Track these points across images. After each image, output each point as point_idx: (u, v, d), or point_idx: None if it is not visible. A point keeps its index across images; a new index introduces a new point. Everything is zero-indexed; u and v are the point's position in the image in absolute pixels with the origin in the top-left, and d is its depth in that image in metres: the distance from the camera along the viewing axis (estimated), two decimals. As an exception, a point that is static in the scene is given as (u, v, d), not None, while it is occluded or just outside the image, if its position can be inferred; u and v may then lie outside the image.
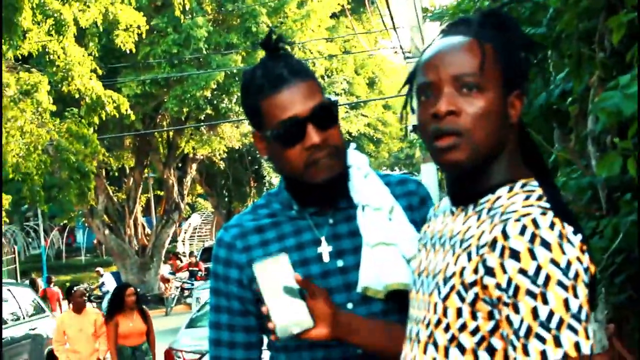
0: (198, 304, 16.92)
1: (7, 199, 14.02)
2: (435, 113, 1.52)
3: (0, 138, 12.22)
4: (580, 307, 1.37)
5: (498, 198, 1.53)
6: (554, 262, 1.38)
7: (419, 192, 2.03)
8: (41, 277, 26.12)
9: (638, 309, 2.98)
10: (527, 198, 1.49)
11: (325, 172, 1.89)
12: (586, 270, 1.40)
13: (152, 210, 33.45)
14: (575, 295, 1.37)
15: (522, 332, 1.38)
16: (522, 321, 1.38)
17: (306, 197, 1.95)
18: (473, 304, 1.46)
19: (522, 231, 1.40)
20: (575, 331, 1.36)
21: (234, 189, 31.97)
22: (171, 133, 25.54)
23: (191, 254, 30.11)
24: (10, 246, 29.63)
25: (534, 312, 1.37)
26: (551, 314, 1.36)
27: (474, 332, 1.46)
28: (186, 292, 23.54)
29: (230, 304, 2.00)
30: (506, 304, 1.40)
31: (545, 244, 1.39)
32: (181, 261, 27.55)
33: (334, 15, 27.30)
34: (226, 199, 32.45)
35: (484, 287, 1.44)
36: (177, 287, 24.27)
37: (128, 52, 15.98)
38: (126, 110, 14.68)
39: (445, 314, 1.50)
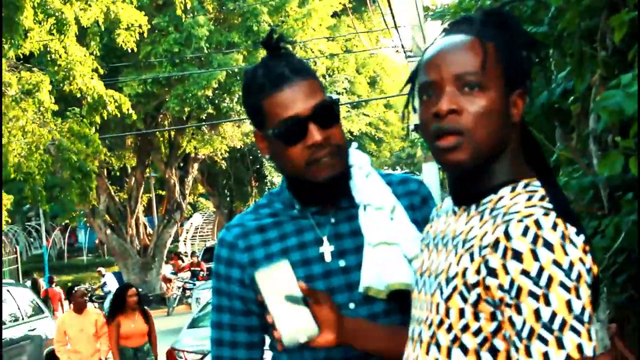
0: (198, 304, 16.89)
1: (8, 199, 14.02)
2: (436, 112, 1.51)
3: (0, 138, 12.22)
4: (583, 309, 1.37)
5: (501, 198, 1.52)
6: (556, 263, 1.37)
7: (420, 191, 2.02)
8: (43, 277, 26.12)
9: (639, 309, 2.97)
10: (530, 198, 1.48)
11: (326, 171, 1.88)
12: (589, 271, 1.40)
13: (153, 210, 33.47)
14: (578, 297, 1.37)
15: (524, 334, 1.37)
16: (524, 322, 1.37)
17: (308, 196, 1.95)
18: (475, 304, 1.45)
19: (525, 232, 1.40)
20: (577, 333, 1.35)
21: (235, 189, 32.00)
22: (173, 132, 25.55)
23: (193, 253, 30.16)
24: (12, 246, 29.63)
25: (537, 314, 1.36)
26: (554, 315, 1.35)
27: (477, 333, 1.46)
28: (188, 292, 23.52)
29: (232, 304, 2.00)
30: (509, 305, 1.40)
31: (548, 245, 1.38)
32: (183, 261, 27.60)
33: (335, 14, 27.31)
34: (228, 199, 32.47)
35: (487, 288, 1.43)
36: (179, 287, 24.28)
37: (129, 51, 15.99)
38: (128, 109, 14.67)
39: (447, 314, 1.49)
